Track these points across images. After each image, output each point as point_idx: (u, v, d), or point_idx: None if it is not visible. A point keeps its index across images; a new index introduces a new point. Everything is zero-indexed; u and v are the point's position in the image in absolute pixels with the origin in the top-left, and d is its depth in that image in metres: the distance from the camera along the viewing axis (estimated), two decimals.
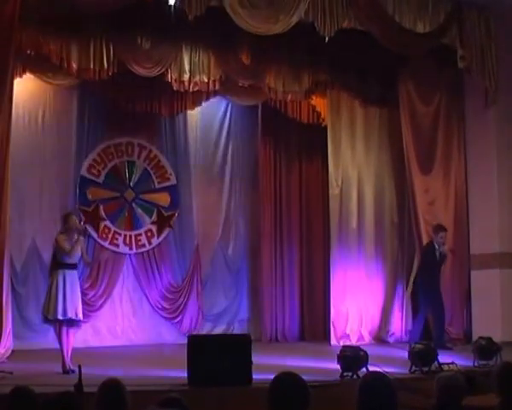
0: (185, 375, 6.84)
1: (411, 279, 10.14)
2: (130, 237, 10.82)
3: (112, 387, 3.86)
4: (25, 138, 9.85)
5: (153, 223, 10.96)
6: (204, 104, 10.67)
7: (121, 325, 10.75)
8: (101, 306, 10.56)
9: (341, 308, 10.40)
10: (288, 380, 3.26)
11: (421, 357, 7.48)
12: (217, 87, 9.88)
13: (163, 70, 9.44)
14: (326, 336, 10.63)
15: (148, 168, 11.00)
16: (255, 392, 6.39)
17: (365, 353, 7.26)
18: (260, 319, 11.19)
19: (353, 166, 10.72)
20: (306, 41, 9.77)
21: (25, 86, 9.47)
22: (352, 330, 10.38)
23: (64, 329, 7.85)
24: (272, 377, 3.30)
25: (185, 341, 7.35)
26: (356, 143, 10.74)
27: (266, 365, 7.13)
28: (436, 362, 7.42)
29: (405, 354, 7.76)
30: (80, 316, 7.92)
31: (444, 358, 7.65)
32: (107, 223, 10.70)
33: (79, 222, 8.57)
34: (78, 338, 8.56)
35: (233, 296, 11.30)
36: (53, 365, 7.87)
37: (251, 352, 6.97)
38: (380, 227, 10.77)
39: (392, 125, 10.78)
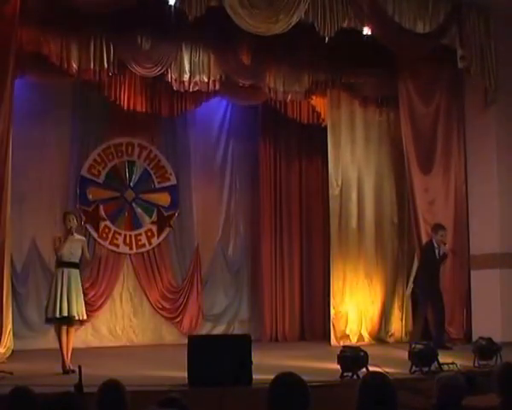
0: (185, 375, 6.84)
1: (411, 279, 10.14)
2: (131, 237, 10.83)
3: (112, 387, 3.86)
4: (25, 138, 9.84)
5: (153, 223, 10.97)
6: (204, 104, 10.66)
7: (121, 325, 10.76)
8: (101, 306, 10.57)
9: (341, 308, 10.41)
10: (287, 380, 3.26)
11: (422, 357, 7.46)
12: (217, 87, 9.88)
13: (163, 70, 9.44)
14: (326, 337, 10.63)
15: (148, 168, 11.01)
16: (255, 392, 6.38)
17: (365, 353, 7.24)
18: (260, 319, 11.20)
19: (353, 166, 10.72)
20: (306, 41, 9.78)
21: (25, 86, 9.46)
22: (352, 331, 10.38)
23: (64, 328, 7.84)
24: (272, 377, 3.30)
25: (185, 341, 7.35)
26: (356, 143, 10.75)
27: (266, 365, 7.13)
28: (436, 362, 7.41)
29: (405, 355, 7.75)
30: (74, 314, 7.82)
31: (444, 358, 7.64)
32: (108, 223, 10.71)
33: (80, 222, 8.57)
34: (78, 338, 8.57)
35: (233, 296, 11.31)
36: (53, 365, 7.86)
37: (251, 352, 6.96)
38: (380, 227, 10.77)
39: (392, 125, 10.79)
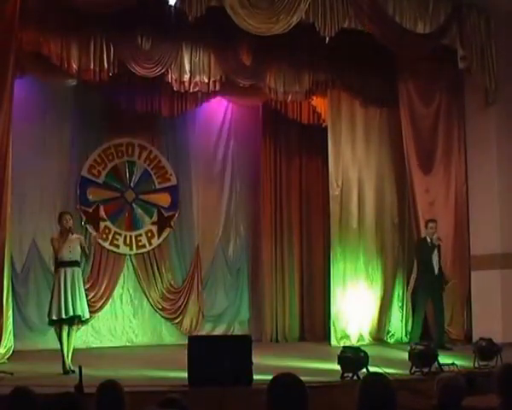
0: (185, 375, 6.84)
1: (412, 281, 10.14)
2: (131, 237, 10.82)
3: (110, 388, 3.86)
4: (25, 139, 9.84)
5: (153, 223, 10.96)
6: (204, 104, 10.66)
7: (121, 326, 10.75)
8: (101, 306, 10.56)
9: (341, 309, 10.39)
10: (286, 381, 3.25)
11: (422, 358, 7.47)
12: (217, 87, 9.87)
13: (163, 70, 9.43)
14: (326, 337, 10.62)
15: (149, 169, 11.00)
16: (255, 392, 6.37)
17: (365, 353, 7.25)
18: (260, 319, 11.19)
19: (354, 167, 10.71)
20: (307, 41, 9.78)
21: (25, 86, 9.45)
22: (353, 331, 10.37)
23: (65, 328, 7.84)
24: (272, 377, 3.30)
25: (185, 341, 7.35)
26: (356, 144, 10.74)
27: (266, 365, 7.14)
28: (436, 363, 7.42)
29: (405, 355, 7.75)
30: (80, 313, 7.86)
31: (444, 359, 7.64)
32: (108, 223, 10.70)
33: (81, 223, 8.54)
34: (78, 338, 8.57)
35: (233, 297, 11.30)
36: (53, 365, 7.86)
37: (251, 352, 6.96)
38: (380, 227, 10.76)
39: (393, 125, 10.78)
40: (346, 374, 7.17)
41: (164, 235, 10.98)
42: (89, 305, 8.40)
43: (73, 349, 7.92)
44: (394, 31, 9.45)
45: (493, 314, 9.79)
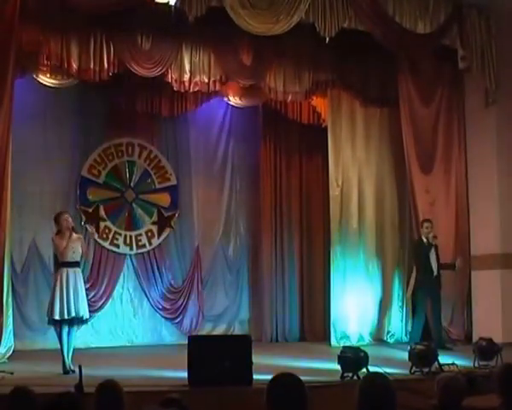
0: (185, 375, 6.84)
1: (412, 281, 10.14)
2: (131, 237, 10.82)
3: (109, 388, 3.86)
4: (25, 139, 9.84)
5: (153, 223, 10.97)
6: (204, 104, 10.66)
7: (121, 325, 10.75)
8: (101, 306, 10.56)
9: (341, 309, 10.39)
10: (285, 381, 3.25)
11: (422, 358, 7.47)
12: (217, 87, 9.88)
13: (163, 70, 9.44)
14: (326, 337, 10.62)
15: (149, 169, 11.00)
16: (255, 392, 6.37)
17: (365, 353, 7.25)
18: (260, 319, 11.19)
19: (354, 167, 10.71)
20: (307, 41, 9.78)
21: (25, 86, 9.45)
22: (353, 331, 10.37)
23: (65, 328, 7.84)
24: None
25: (185, 341, 7.35)
26: (356, 144, 10.74)
27: (266, 365, 7.13)
28: (436, 363, 7.41)
29: (406, 355, 7.75)
30: (83, 314, 7.88)
31: (444, 359, 7.64)
32: (108, 223, 10.70)
33: (80, 223, 8.53)
34: (78, 338, 8.55)
35: (233, 297, 11.30)
36: (53, 365, 7.86)
37: (251, 352, 6.96)
38: (380, 227, 10.76)
39: (393, 125, 10.78)
40: (346, 374, 7.17)
41: (164, 235, 10.98)
42: (89, 305, 8.41)
43: (73, 349, 7.92)
44: (394, 31, 9.45)
45: (493, 314, 9.79)
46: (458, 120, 10.57)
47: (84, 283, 8.69)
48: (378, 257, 10.67)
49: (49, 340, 9.29)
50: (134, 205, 10.91)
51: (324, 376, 7.19)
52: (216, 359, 6.88)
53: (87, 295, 8.89)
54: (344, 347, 7.88)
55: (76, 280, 7.83)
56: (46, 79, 9.29)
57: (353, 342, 10.10)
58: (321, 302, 11.28)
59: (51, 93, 10.03)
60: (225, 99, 10.71)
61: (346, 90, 10.63)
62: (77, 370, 6.28)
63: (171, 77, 9.54)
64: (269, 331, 11.10)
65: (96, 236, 9.96)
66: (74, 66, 8.95)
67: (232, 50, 9.71)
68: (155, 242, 10.93)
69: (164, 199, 11.05)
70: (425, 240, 9.66)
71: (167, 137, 11.16)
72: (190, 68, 9.60)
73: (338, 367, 7.24)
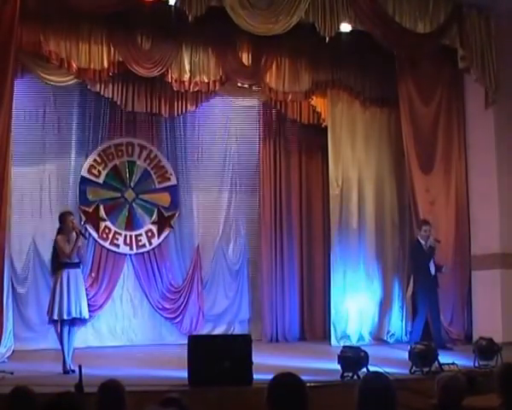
0: (185, 375, 6.84)
1: (411, 281, 10.15)
2: (131, 237, 10.81)
3: (111, 388, 3.87)
4: (25, 139, 9.83)
5: (153, 223, 10.96)
6: (204, 104, 10.65)
7: (121, 325, 10.73)
8: (101, 306, 10.55)
9: (341, 308, 10.40)
10: (286, 380, 3.26)
11: (422, 357, 7.48)
12: (217, 87, 9.88)
13: (163, 70, 9.44)
14: (326, 337, 10.63)
15: (149, 168, 10.99)
16: (255, 392, 6.38)
17: (366, 353, 7.25)
18: (261, 319, 11.18)
19: (353, 166, 10.71)
20: (307, 41, 9.79)
21: (25, 86, 9.46)
22: (353, 331, 10.37)
23: (66, 328, 7.85)
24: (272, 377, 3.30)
25: (185, 341, 7.35)
26: (356, 143, 10.74)
27: (266, 365, 7.13)
28: (437, 363, 7.42)
29: (406, 355, 7.76)
30: (84, 314, 7.91)
31: (444, 358, 7.64)
32: (108, 223, 10.69)
33: (80, 223, 8.53)
34: (78, 338, 8.57)
35: (233, 296, 11.29)
36: (53, 365, 7.87)
37: (251, 352, 6.97)
38: (380, 227, 10.76)
39: (393, 125, 10.79)
40: (346, 374, 7.18)
41: (164, 235, 10.97)
42: (89, 304, 8.42)
43: (73, 349, 7.93)
44: (394, 31, 9.45)
45: (493, 314, 9.79)
46: (458, 120, 10.57)
47: (84, 282, 8.72)
48: (378, 257, 10.67)
49: (48, 340, 9.31)
50: (134, 205, 10.90)
51: (324, 375, 7.20)
52: (216, 359, 6.89)
53: (87, 294, 8.92)
54: (344, 346, 7.88)
55: (76, 280, 7.86)
56: (46, 79, 9.28)
57: (353, 341, 10.10)
58: (321, 302, 11.28)
59: (51, 93, 10.04)
60: (225, 99, 10.70)
61: (345, 90, 10.64)
62: (77, 370, 6.28)
63: (171, 77, 9.54)
64: (269, 331, 11.09)
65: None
66: (74, 66, 8.96)
67: (232, 50, 9.72)
68: (155, 242, 10.92)
69: (164, 199, 11.04)
70: (423, 242, 9.65)
71: (167, 137, 11.14)
72: (190, 68, 9.60)
73: (338, 367, 7.25)
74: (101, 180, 10.73)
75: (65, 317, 7.75)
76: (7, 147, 8.25)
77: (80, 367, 5.83)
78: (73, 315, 7.77)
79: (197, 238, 11.13)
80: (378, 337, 10.53)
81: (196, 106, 10.52)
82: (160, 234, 10.94)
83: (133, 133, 10.89)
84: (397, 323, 10.62)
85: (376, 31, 9.31)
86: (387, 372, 5.53)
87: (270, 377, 3.30)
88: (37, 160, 10.31)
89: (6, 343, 8.56)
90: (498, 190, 10.06)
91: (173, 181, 11.08)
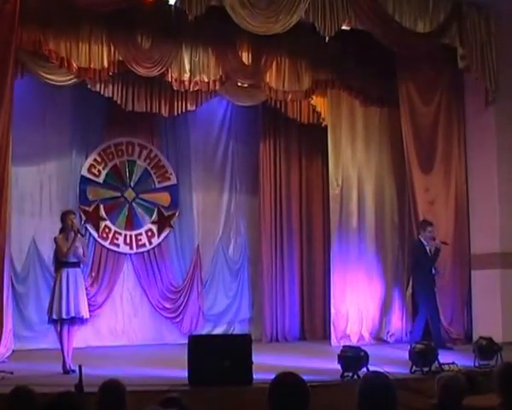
0: (185, 375, 6.84)
1: (411, 281, 10.14)
2: (131, 236, 10.82)
3: (112, 388, 3.87)
4: (25, 139, 9.83)
5: (153, 223, 10.96)
6: (204, 104, 10.65)
7: (122, 325, 10.74)
8: (101, 305, 10.55)
9: (341, 308, 10.39)
10: (288, 380, 3.25)
11: (422, 357, 7.47)
12: (217, 87, 9.88)
13: (163, 70, 9.44)
14: (326, 337, 10.64)
15: (149, 168, 11.00)
16: (255, 392, 6.39)
17: (366, 353, 7.25)
18: (260, 319, 11.18)
19: (353, 166, 10.72)
20: (307, 40, 9.79)
21: (25, 86, 9.45)
22: (353, 331, 10.37)
23: (65, 328, 7.85)
24: (273, 377, 3.30)
25: (186, 341, 7.35)
26: (356, 143, 10.74)
27: (266, 365, 7.13)
28: (437, 362, 7.42)
29: (406, 355, 7.75)
30: (83, 314, 7.90)
31: (444, 358, 7.64)
32: (108, 223, 10.70)
33: (80, 222, 8.52)
34: (78, 338, 8.56)
35: (233, 296, 11.30)
36: (53, 365, 7.87)
37: (251, 352, 6.96)
38: (380, 227, 10.76)
39: (393, 124, 10.79)
40: (346, 373, 7.18)
41: (164, 234, 10.98)
42: (89, 304, 8.42)
43: (73, 349, 7.93)
44: (394, 30, 9.45)
45: (493, 313, 9.79)
46: (458, 120, 10.57)
47: (85, 282, 8.72)
48: (378, 256, 10.67)
49: (48, 340, 9.31)
50: (134, 204, 10.90)
51: (324, 375, 7.19)
52: (216, 358, 6.89)
53: (87, 294, 8.92)
54: (344, 346, 7.88)
55: (76, 280, 7.86)
56: (46, 79, 9.28)
57: (353, 341, 10.09)
58: (321, 302, 11.29)
59: (51, 93, 10.03)
60: (225, 99, 10.71)
61: (345, 90, 10.64)
62: (77, 369, 6.28)
63: (171, 76, 9.54)
64: (269, 331, 11.09)
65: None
66: (74, 65, 8.95)
67: (232, 50, 9.72)
68: (155, 241, 10.93)
69: (164, 198, 11.04)
70: (425, 243, 9.64)
71: (167, 136, 11.15)
72: (190, 68, 9.60)
73: (338, 367, 7.24)
74: (101, 180, 10.73)
75: (64, 316, 7.75)
76: (7, 147, 8.24)
77: (80, 367, 5.83)
78: (72, 314, 7.77)
79: (197, 238, 11.14)
80: (378, 337, 10.53)
81: (196, 106, 10.51)
82: (159, 234, 10.95)
83: (133, 133, 10.90)
84: (397, 323, 10.62)
85: (376, 30, 9.31)
86: (387, 372, 5.52)
87: (270, 376, 3.30)
88: (37, 160, 10.31)
89: (6, 343, 8.55)
90: (498, 190, 10.06)
91: (173, 181, 11.09)
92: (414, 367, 7.49)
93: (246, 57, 9.83)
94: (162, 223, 10.97)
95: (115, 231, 10.72)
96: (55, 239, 8.03)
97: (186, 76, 9.59)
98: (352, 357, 7.23)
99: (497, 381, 4.25)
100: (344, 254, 10.52)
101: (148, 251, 10.90)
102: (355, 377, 7.05)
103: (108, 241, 10.67)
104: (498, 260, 9.94)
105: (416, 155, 10.41)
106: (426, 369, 7.38)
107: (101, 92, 9.76)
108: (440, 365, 7.37)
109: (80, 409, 3.50)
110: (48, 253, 9.87)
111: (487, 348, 7.87)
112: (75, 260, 7.94)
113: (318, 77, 10.36)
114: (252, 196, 11.51)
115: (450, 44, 9.85)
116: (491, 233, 10.05)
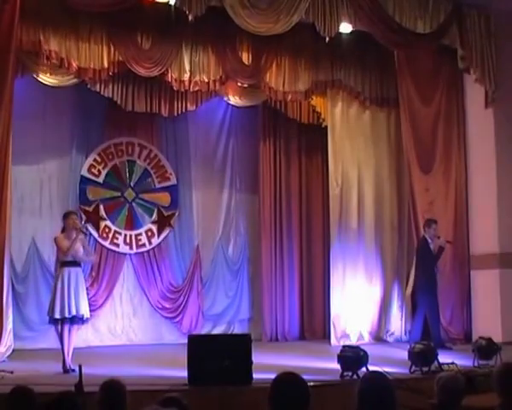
0: (185, 375, 6.84)
1: (411, 280, 10.14)
2: (131, 236, 10.82)
3: (113, 387, 3.87)
4: (25, 138, 9.83)
5: (153, 222, 10.97)
6: (204, 104, 10.66)
7: (121, 325, 10.75)
8: (101, 305, 10.56)
9: (341, 308, 10.40)
10: (288, 380, 3.26)
11: (422, 357, 7.47)
12: (217, 87, 9.89)
13: (163, 70, 9.44)
14: (326, 336, 10.64)
15: (149, 168, 11.00)
16: (255, 392, 6.39)
17: (365, 353, 7.25)
18: (260, 318, 11.19)
19: (353, 166, 10.72)
20: (307, 41, 9.79)
21: (25, 86, 9.45)
22: (352, 330, 10.37)
23: (66, 327, 7.85)
24: (272, 376, 3.30)
25: (185, 340, 7.35)
26: (356, 143, 10.75)
27: (266, 364, 7.14)
28: (436, 362, 7.42)
29: (405, 354, 7.75)
30: (83, 313, 7.90)
31: (444, 358, 7.65)
32: (108, 222, 10.70)
33: (81, 221, 8.52)
34: (78, 337, 8.56)
35: (233, 296, 11.31)
36: (53, 364, 7.87)
37: (251, 351, 6.96)
38: (380, 227, 10.77)
39: (392, 124, 10.80)
40: (345, 373, 7.18)
41: (164, 234, 10.98)
42: (89, 304, 8.42)
43: (73, 348, 7.93)
44: (394, 30, 9.46)
45: (493, 314, 9.80)
46: (458, 120, 10.57)
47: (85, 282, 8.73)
48: (377, 256, 10.68)
49: (48, 339, 9.31)
50: (134, 204, 10.91)
51: (324, 375, 7.19)
52: (216, 358, 6.88)
53: (87, 294, 8.92)
54: (344, 346, 7.88)
55: (77, 279, 7.87)
56: (46, 79, 9.29)
57: (353, 341, 10.10)
58: (321, 301, 11.29)
59: (51, 93, 10.03)
60: (225, 99, 10.71)
61: (345, 90, 10.64)
62: (77, 369, 6.29)
63: (171, 76, 9.55)
64: (268, 331, 11.10)
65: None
66: (74, 65, 8.96)
67: (232, 50, 9.72)
68: (155, 241, 10.93)
69: (164, 198, 11.05)
70: (429, 240, 9.66)
71: (167, 136, 11.16)
72: (190, 68, 9.61)
73: (338, 366, 7.24)
74: (101, 180, 10.73)
75: (66, 315, 7.76)
76: (7, 147, 8.25)
77: (80, 367, 5.85)
78: (72, 313, 7.78)
79: (197, 238, 11.15)
80: (378, 337, 10.54)
81: (196, 106, 10.52)
82: (159, 233, 10.95)
83: (133, 133, 10.91)
84: (396, 322, 10.64)
85: (376, 30, 9.32)
86: (387, 372, 5.53)
87: (270, 376, 3.30)
88: (37, 160, 10.32)
89: (6, 342, 8.55)
90: (498, 190, 10.06)
91: (173, 181, 11.09)
92: (413, 367, 7.49)
93: (246, 57, 9.84)
94: (162, 223, 10.98)
95: (115, 231, 10.73)
96: (55, 239, 8.04)
97: (186, 76, 9.59)
98: (352, 357, 7.23)
99: (496, 381, 4.25)
100: (343, 254, 10.52)
101: (147, 251, 10.91)
102: (354, 376, 7.05)
103: (108, 241, 10.68)
104: (498, 260, 9.95)
105: (415, 155, 10.42)
106: (425, 369, 7.38)
107: (101, 92, 9.78)
108: (440, 365, 7.38)
109: (80, 409, 3.51)
110: (48, 253, 9.90)
111: (487, 348, 7.88)
112: (75, 260, 7.96)
113: (318, 77, 10.36)
114: (252, 196, 11.51)
115: (450, 45, 9.86)
116: (490, 233, 10.06)
